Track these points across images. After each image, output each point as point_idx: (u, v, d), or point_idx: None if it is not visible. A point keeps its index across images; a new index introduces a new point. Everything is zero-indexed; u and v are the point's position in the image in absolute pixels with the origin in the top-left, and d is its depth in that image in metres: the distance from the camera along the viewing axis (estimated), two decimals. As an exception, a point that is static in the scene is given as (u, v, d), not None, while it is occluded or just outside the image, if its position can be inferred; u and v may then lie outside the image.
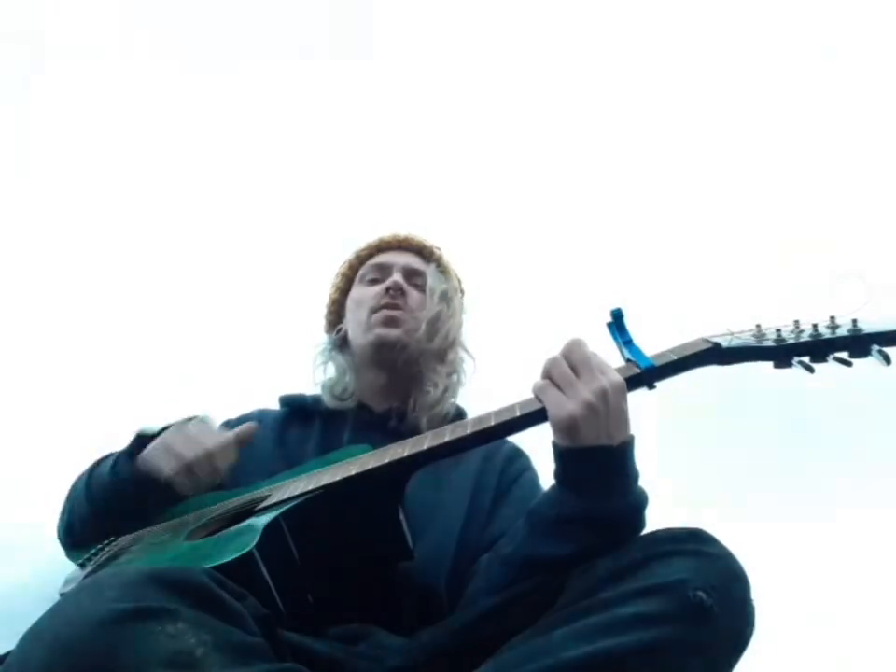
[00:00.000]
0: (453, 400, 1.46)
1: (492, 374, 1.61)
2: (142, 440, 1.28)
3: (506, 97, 3.15)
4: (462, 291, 1.62)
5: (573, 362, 1.00)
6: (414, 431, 1.29)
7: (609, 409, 0.96)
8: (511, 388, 1.14)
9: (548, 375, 1.01)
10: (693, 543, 0.85)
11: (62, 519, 1.33)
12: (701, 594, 0.77)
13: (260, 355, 2.59)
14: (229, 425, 1.50)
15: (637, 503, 0.99)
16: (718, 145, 2.90)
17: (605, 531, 0.96)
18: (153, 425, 1.32)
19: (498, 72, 3.17)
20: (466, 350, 1.55)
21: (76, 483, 1.34)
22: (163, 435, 1.26)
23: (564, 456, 1.00)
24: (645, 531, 0.94)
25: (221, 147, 3.10)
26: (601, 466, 0.97)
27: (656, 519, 0.98)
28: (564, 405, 0.96)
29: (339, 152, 3.09)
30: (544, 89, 3.13)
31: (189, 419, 1.29)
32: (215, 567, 0.85)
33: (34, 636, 0.68)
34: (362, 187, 3.03)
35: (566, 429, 0.97)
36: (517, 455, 1.39)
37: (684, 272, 2.65)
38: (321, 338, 1.62)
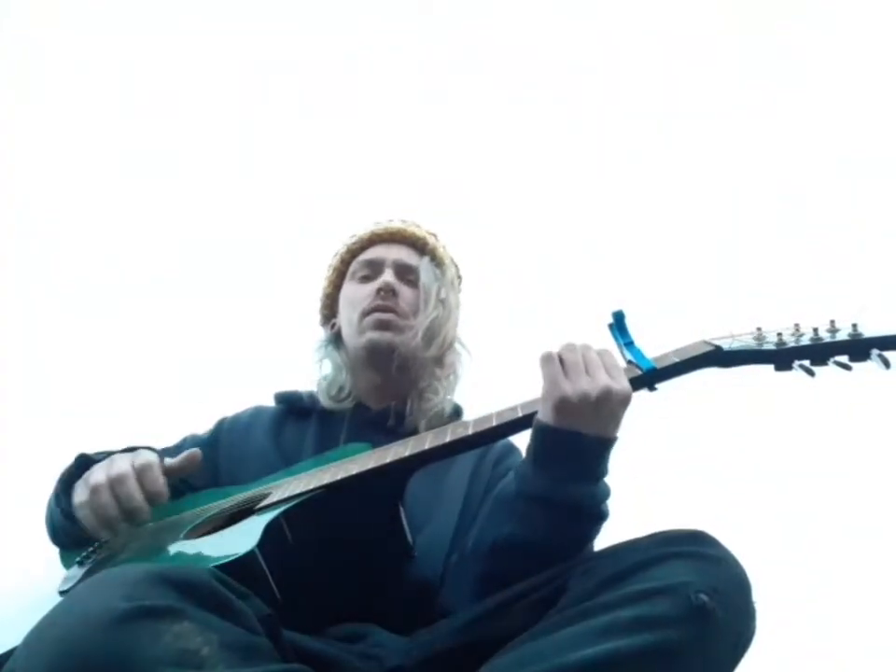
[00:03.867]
0: (450, 397, 1.45)
1: (490, 370, 1.60)
2: (81, 464, 1.20)
3: (507, 92, 3.15)
4: (459, 278, 1.59)
5: (588, 358, 1.01)
6: (413, 432, 1.29)
7: (602, 408, 0.98)
8: (509, 385, 1.15)
9: (560, 354, 1.02)
10: (694, 545, 0.85)
11: (46, 524, 1.30)
12: (703, 596, 0.77)
13: (256, 351, 2.58)
14: (224, 423, 1.50)
15: (600, 493, 1.01)
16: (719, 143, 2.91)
17: (565, 515, 0.98)
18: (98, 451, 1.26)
19: (501, 67, 3.16)
20: (462, 345, 1.53)
21: (54, 489, 1.28)
22: (89, 475, 1.14)
23: (542, 433, 1.01)
24: (646, 533, 0.93)
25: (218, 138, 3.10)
26: (575, 451, 0.98)
27: (657, 520, 0.99)
28: (561, 383, 0.98)
29: (338, 145, 3.09)
30: (545, 85, 3.12)
31: (132, 449, 1.20)
32: (216, 566, 0.86)
33: (39, 635, 0.68)
34: (360, 181, 3.03)
35: (554, 407, 0.98)
36: (510, 450, 1.38)
37: (685, 272, 2.65)
38: (318, 332, 1.60)
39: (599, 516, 1.03)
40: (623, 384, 0.99)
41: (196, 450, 1.20)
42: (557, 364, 1.00)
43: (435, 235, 1.57)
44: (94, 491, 1.09)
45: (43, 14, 3.04)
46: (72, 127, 3.05)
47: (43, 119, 3.04)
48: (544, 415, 1.01)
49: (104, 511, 1.08)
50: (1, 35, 3.01)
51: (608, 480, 1.05)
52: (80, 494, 1.13)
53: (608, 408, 0.98)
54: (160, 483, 1.11)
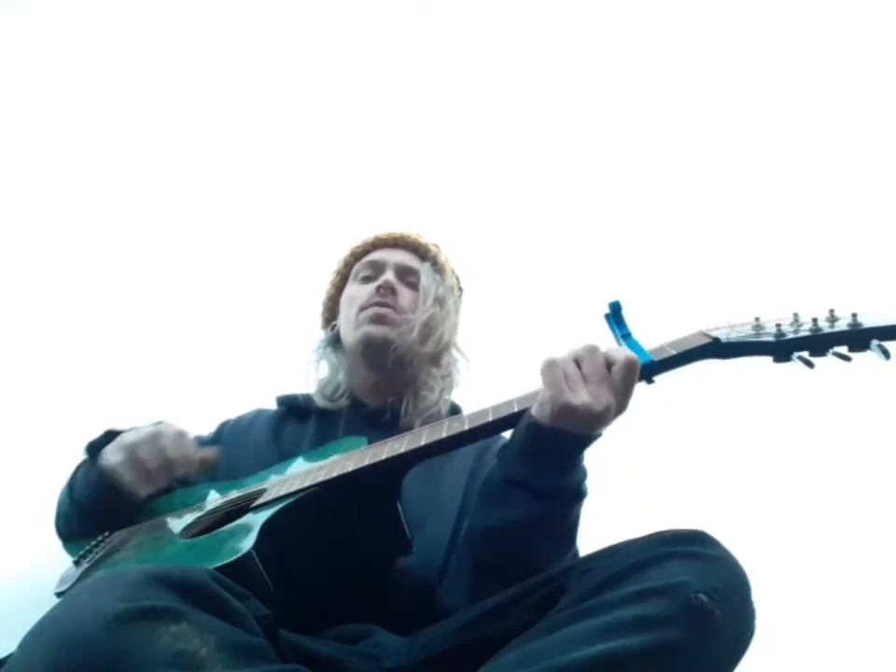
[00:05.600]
0: (447, 397, 1.46)
1: (487, 371, 1.60)
2: (108, 438, 1.25)
3: (504, 93, 3.15)
4: (460, 289, 1.61)
5: (596, 366, 1.01)
6: (409, 430, 1.29)
7: (601, 419, 1.00)
8: (506, 384, 1.14)
9: (571, 361, 1.02)
10: (694, 545, 0.85)
11: (56, 514, 1.31)
12: (702, 596, 0.76)
13: (259, 355, 2.58)
14: (226, 425, 1.51)
15: (580, 478, 1.06)
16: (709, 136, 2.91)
17: (548, 498, 1.02)
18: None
19: (496, 68, 3.16)
20: (459, 351, 1.55)
21: (68, 479, 1.30)
22: (123, 436, 1.21)
23: (536, 430, 1.02)
24: (645, 533, 0.92)
25: (215, 141, 3.09)
26: (564, 446, 1.02)
27: (658, 520, 0.98)
28: (565, 393, 0.99)
29: (337, 146, 3.09)
30: (543, 85, 3.12)
31: (157, 423, 1.24)
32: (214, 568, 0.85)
33: (36, 636, 0.67)
34: (360, 181, 3.03)
35: (554, 412, 0.99)
36: None
37: (682, 261, 2.65)
38: (318, 334, 1.61)
39: (580, 495, 1.06)
40: (625, 403, 1.01)
41: (213, 452, 1.28)
42: (559, 371, 1.01)
43: (437, 246, 1.59)
44: (134, 447, 1.16)
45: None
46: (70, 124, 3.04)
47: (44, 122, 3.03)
48: (541, 416, 1.01)
49: (145, 464, 1.16)
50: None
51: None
52: (115, 454, 1.18)
53: (606, 419, 1.01)
54: (192, 449, 1.21)
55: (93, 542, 1.17)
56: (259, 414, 1.51)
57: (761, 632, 0.83)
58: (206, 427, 1.53)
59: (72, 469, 1.30)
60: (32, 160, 3.01)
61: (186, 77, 3.11)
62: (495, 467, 1.10)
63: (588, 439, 1.03)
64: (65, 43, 3.05)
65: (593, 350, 1.02)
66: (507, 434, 1.32)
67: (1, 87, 2.98)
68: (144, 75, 3.11)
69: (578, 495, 1.06)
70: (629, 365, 0.99)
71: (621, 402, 1.00)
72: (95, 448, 1.24)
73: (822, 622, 2.17)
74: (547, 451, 1.02)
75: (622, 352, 1.01)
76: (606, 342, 1.06)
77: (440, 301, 1.48)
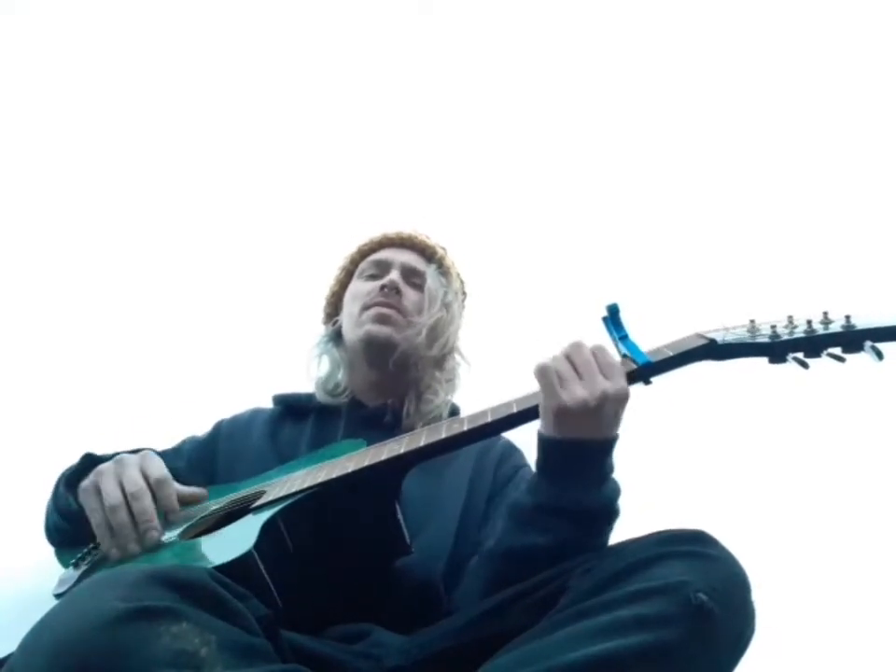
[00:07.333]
0: (449, 398, 1.46)
1: (486, 372, 1.60)
2: (87, 463, 1.19)
3: (503, 92, 3.15)
4: (464, 293, 1.61)
5: (583, 361, 1.01)
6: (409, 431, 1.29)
7: (602, 412, 0.98)
8: (505, 386, 1.15)
9: (554, 364, 1.02)
10: (694, 545, 0.85)
11: (45, 523, 1.29)
12: (702, 595, 0.77)
13: (256, 353, 2.58)
14: (221, 424, 1.50)
15: (610, 495, 1.02)
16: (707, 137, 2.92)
17: (579, 520, 0.99)
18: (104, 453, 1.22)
19: (496, 68, 3.17)
20: (461, 355, 1.55)
21: (55, 488, 1.27)
22: (101, 482, 1.08)
23: (546, 444, 1.02)
24: (645, 533, 0.93)
25: (215, 140, 3.09)
26: (581, 458, 1.00)
27: (658, 520, 0.99)
28: (558, 394, 0.98)
29: (338, 145, 3.10)
30: (542, 85, 3.13)
31: (137, 452, 1.15)
32: (214, 568, 0.85)
33: (37, 636, 0.68)
34: (359, 180, 3.03)
35: (555, 418, 0.99)
36: (512, 451, 1.40)
37: (678, 263, 2.66)
38: (319, 331, 1.61)
39: (611, 515, 1.03)
40: (619, 384, 0.99)
41: (204, 491, 1.20)
42: (552, 374, 1.00)
43: (445, 249, 1.59)
44: (112, 510, 1.04)
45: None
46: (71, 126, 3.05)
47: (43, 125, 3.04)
48: (546, 428, 1.02)
49: (120, 531, 1.03)
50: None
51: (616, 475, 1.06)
52: (92, 504, 1.07)
53: (607, 411, 0.98)
54: (174, 499, 1.09)
55: (91, 545, 1.17)
56: (255, 414, 1.50)
57: (761, 631, 0.83)
58: (202, 427, 1.52)
59: (54, 481, 1.26)
60: (32, 159, 3.01)
61: (186, 77, 3.12)
62: (522, 490, 1.08)
63: (601, 445, 1.00)
64: (65, 43, 3.05)
65: (578, 344, 1.03)
66: (507, 435, 1.33)
67: (1, 86, 2.98)
68: (144, 75, 3.11)
69: (610, 514, 1.02)
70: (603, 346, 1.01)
71: (617, 388, 0.98)
72: (73, 478, 1.18)
73: (822, 620, 2.18)
74: (564, 466, 1.00)
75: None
76: (604, 343, 1.07)
77: (446, 306, 1.48)
